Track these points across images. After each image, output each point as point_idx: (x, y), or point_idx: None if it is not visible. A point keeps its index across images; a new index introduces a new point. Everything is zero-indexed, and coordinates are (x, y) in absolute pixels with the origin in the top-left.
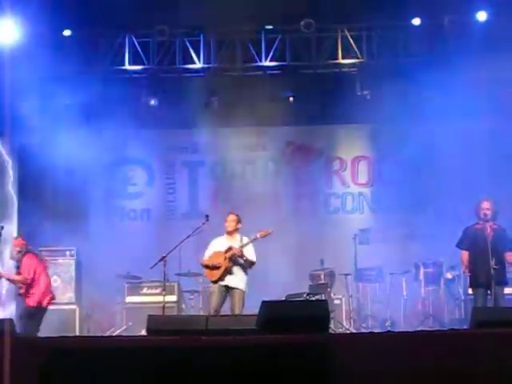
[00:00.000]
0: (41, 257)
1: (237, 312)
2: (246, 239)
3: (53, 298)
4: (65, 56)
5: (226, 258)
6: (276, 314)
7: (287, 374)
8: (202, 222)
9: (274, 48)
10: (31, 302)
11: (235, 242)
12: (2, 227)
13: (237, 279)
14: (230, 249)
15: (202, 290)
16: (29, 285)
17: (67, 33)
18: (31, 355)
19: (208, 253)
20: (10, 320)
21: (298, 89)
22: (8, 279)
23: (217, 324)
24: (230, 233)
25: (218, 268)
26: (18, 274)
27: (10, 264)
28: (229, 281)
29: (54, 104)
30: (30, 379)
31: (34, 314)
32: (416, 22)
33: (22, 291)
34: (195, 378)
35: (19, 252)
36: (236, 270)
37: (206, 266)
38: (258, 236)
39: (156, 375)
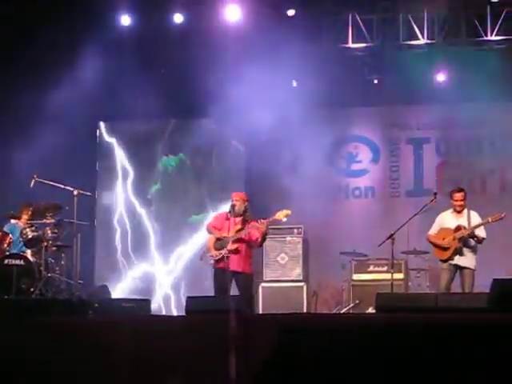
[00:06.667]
0: None
1: (467, 291)
2: (474, 215)
3: None
4: (288, 36)
5: (455, 239)
6: (509, 292)
7: None
8: (430, 200)
9: (499, 22)
10: (251, 268)
11: (463, 217)
12: None
13: (467, 259)
14: (459, 228)
15: (429, 268)
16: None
17: (291, 12)
18: (260, 332)
19: (434, 228)
20: (235, 296)
21: None
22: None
23: (447, 302)
24: (458, 211)
25: (447, 249)
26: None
27: None
28: (459, 260)
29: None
30: (260, 356)
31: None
32: None
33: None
34: (427, 355)
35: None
36: (466, 249)
37: (434, 244)
38: (490, 220)
39: (386, 352)
